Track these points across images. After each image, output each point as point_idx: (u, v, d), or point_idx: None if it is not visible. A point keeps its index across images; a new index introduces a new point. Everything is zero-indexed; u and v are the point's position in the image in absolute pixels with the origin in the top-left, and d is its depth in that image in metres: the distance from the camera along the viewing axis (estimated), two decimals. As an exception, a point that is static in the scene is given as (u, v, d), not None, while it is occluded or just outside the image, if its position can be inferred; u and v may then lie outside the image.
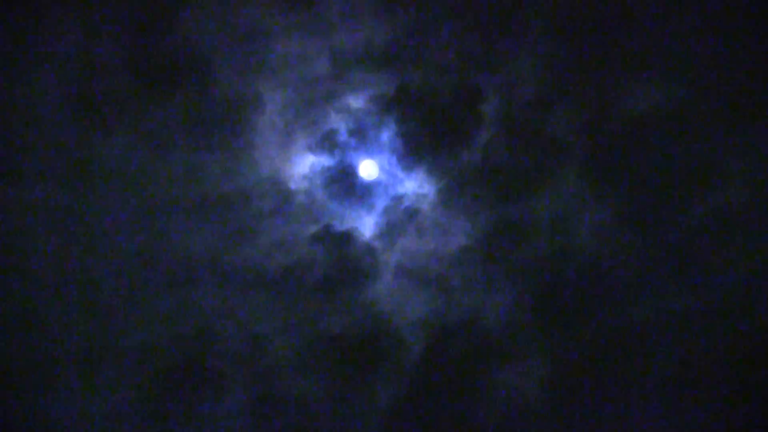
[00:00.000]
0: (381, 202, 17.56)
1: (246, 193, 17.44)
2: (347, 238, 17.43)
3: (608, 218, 17.49)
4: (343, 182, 17.62)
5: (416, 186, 17.66)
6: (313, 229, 17.47)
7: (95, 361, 16.91)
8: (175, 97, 17.44)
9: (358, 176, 17.61)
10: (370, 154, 17.67)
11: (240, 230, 17.44)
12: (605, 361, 17.02)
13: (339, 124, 17.70)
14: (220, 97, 17.57)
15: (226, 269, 17.31)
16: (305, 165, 17.75)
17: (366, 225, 17.54)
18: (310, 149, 17.77)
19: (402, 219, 17.59)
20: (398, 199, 17.60)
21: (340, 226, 17.47)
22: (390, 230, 17.60)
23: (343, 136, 17.77)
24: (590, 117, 17.72)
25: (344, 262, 17.35)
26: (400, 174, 17.62)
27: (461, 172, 17.70)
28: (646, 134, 17.64)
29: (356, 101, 17.68)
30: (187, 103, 17.50)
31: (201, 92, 17.54)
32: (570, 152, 17.71)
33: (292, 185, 17.66)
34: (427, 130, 17.66)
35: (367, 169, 17.66)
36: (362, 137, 17.72)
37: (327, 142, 17.75)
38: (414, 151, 17.68)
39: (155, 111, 17.44)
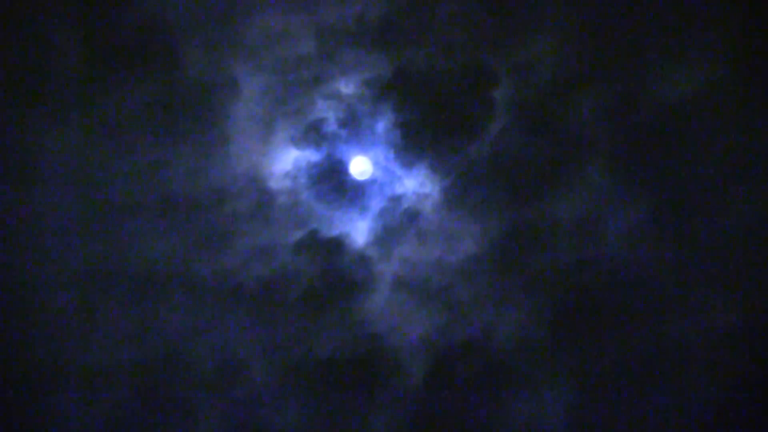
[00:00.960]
0: (376, 204, 16.95)
1: (219, 194, 16.78)
2: (337, 245, 16.78)
3: (640, 220, 16.72)
4: (332, 181, 16.94)
5: (417, 185, 17.01)
6: (297, 235, 16.79)
7: (43, 390, 16.27)
8: (135, 82, 16.74)
9: (349, 174, 16.93)
10: (363, 147, 17.00)
11: (212, 236, 16.75)
12: (638, 386, 16.34)
13: (327, 112, 16.99)
14: (188, 83, 16.84)
15: (196, 282, 16.63)
16: (288, 160, 17.01)
17: (359, 230, 16.92)
18: (294, 142, 16.99)
19: (400, 223, 16.94)
20: (396, 200, 16.97)
21: (328, 232, 16.84)
22: (386, 236, 16.91)
23: (331, 127, 17.03)
24: (619, 103, 16.96)
25: (333, 273, 16.74)
26: (399, 171, 16.98)
27: (469, 168, 16.98)
28: (683, 123, 16.83)
29: (347, 86, 16.96)
30: (150, 89, 16.79)
31: (165, 77, 16.84)
32: (596, 144, 16.91)
33: (273, 184, 16.94)
34: (430, 120, 16.96)
35: (360, 165, 16.95)
36: (354, 128, 17.02)
37: (313, 134, 17.00)
38: (414, 144, 16.98)
39: (112, 98, 16.72)
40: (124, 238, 16.47)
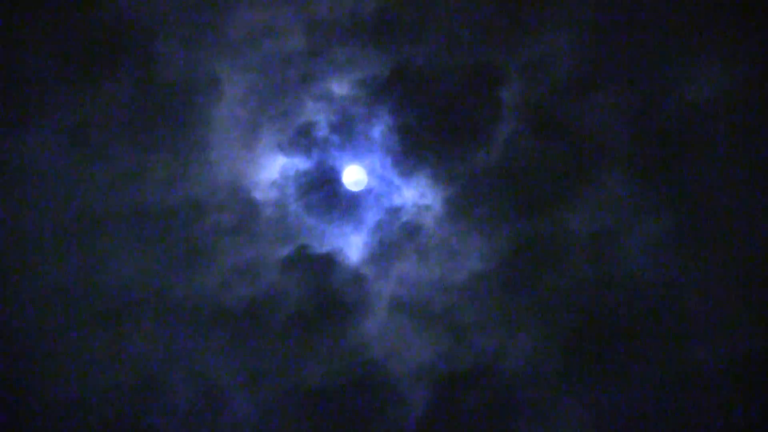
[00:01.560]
0: (372, 217, 16.42)
1: (198, 206, 16.24)
2: (328, 262, 16.20)
3: (664, 234, 16.02)
4: (324, 191, 16.42)
5: (417, 195, 16.47)
6: (284, 251, 16.27)
7: (9, 421, 15.69)
8: (106, 83, 16.19)
9: (342, 183, 16.43)
10: (357, 154, 16.48)
11: (190, 253, 16.18)
12: (660, 417, 15.54)
13: (318, 115, 16.52)
14: (164, 83, 16.33)
15: (173, 303, 16.08)
16: (274, 168, 16.55)
17: (353, 246, 16.40)
18: (281, 148, 16.48)
19: (399, 238, 16.36)
20: (394, 212, 16.43)
21: (319, 248, 16.29)
22: (383, 253, 16.34)
23: (323, 132, 16.52)
24: (640, 105, 16.36)
25: (325, 293, 16.18)
26: (397, 180, 16.46)
27: (475, 177, 16.34)
28: (711, 126, 16.20)
29: (340, 86, 16.51)
30: (122, 90, 16.27)
31: (140, 76, 16.32)
32: (614, 150, 16.30)
33: (258, 195, 16.42)
34: (431, 124, 16.38)
35: (354, 174, 16.44)
36: (348, 133, 16.45)
37: (302, 140, 16.48)
38: (414, 150, 16.39)
39: (82, 100, 16.27)
40: (92, 255, 15.95)
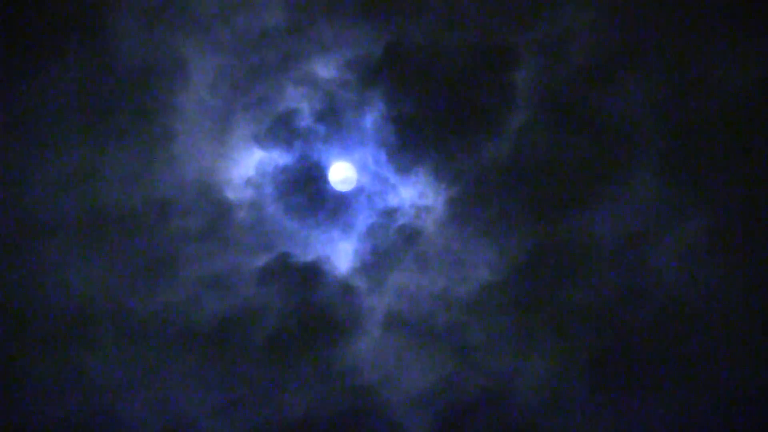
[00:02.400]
0: (363, 220, 15.40)
1: (161, 208, 15.25)
2: (314, 273, 15.19)
3: (701, 240, 14.92)
4: (307, 190, 15.30)
5: (415, 195, 15.39)
6: (262, 260, 15.26)
7: None
8: (55, 66, 15.14)
9: (328, 181, 15.32)
10: (346, 148, 15.38)
11: (152, 263, 15.22)
12: None
13: (300, 102, 15.40)
14: (121, 65, 15.24)
15: (133, 321, 15.15)
16: (250, 164, 15.49)
17: (341, 254, 15.37)
18: (257, 141, 15.36)
19: (395, 244, 15.31)
20: (389, 214, 15.37)
21: (302, 256, 15.23)
22: (377, 261, 15.32)
23: (306, 121, 15.43)
24: (672, 93, 15.19)
25: (310, 309, 15.17)
26: (392, 177, 15.35)
27: (482, 174, 15.18)
28: (752, 118, 14.98)
29: (325, 69, 15.36)
30: (74, 74, 15.20)
31: (93, 58, 15.22)
32: (644, 144, 15.15)
33: (231, 194, 15.31)
34: (431, 112, 15.14)
35: (343, 170, 15.34)
36: (335, 123, 15.27)
37: (282, 131, 15.30)
38: (412, 143, 15.21)
39: (26, 88, 15.14)
40: (38, 267, 15.04)
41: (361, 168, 15.36)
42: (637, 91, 15.12)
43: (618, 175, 14.91)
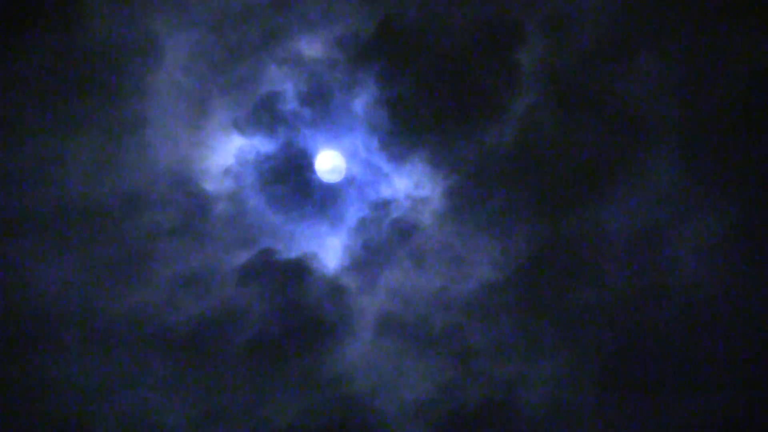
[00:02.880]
0: (353, 213, 14.54)
1: (132, 200, 14.18)
2: (299, 271, 14.21)
3: (723, 233, 13.88)
4: (292, 180, 14.40)
5: (411, 185, 14.50)
6: (242, 257, 14.24)
7: None
8: (17, 45, 14.17)
9: (315, 171, 14.43)
10: (335, 134, 14.46)
11: (123, 261, 14.23)
12: None
13: (283, 84, 14.41)
14: (90, 44, 14.16)
15: (102, 323, 14.25)
16: (229, 152, 14.52)
17: (330, 250, 14.50)
18: (237, 126, 14.39)
19: (388, 240, 14.36)
20: (382, 206, 14.51)
21: (287, 253, 14.30)
22: (369, 259, 14.37)
23: (290, 105, 14.40)
24: (691, 75, 14.09)
25: (295, 311, 14.11)
26: (385, 166, 14.45)
27: (484, 163, 14.12)
28: None
29: (311, 47, 14.31)
30: (38, 54, 14.24)
31: (58, 36, 14.29)
32: (660, 129, 14.09)
33: (209, 186, 14.32)
34: (428, 94, 14.13)
35: (331, 158, 14.46)
36: (322, 107, 14.33)
37: (264, 115, 14.38)
38: (406, 128, 14.25)
39: None
40: (1, 265, 14.09)
41: (351, 156, 14.44)
42: (654, 72, 14.12)
43: (632, 163, 13.90)
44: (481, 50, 13.95)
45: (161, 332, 13.89)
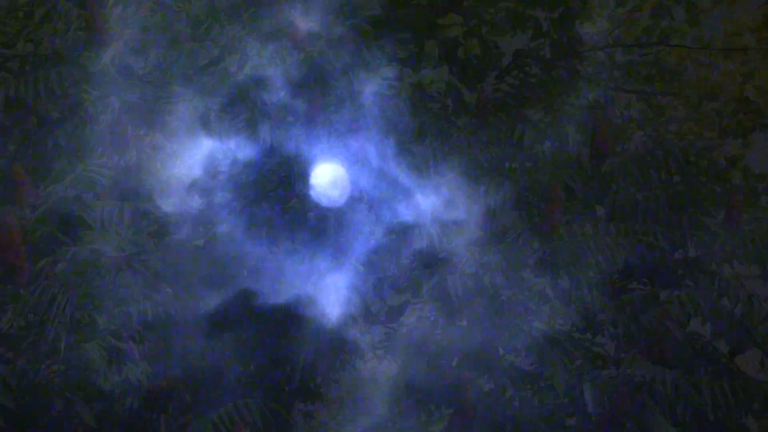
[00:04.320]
0: (362, 243, 11.85)
1: (63, 224, 11.31)
2: (289, 321, 11.54)
3: None
4: (280, 198, 11.96)
5: (440, 205, 11.86)
6: (212, 301, 11.51)
7: None
8: None
9: (311, 185, 11.79)
10: (337, 135, 12.01)
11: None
12: None
13: (269, 68, 11.88)
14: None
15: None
16: (194, 159, 11.98)
17: (331, 293, 11.73)
18: (205, 125, 11.74)
19: (410, 279, 11.74)
20: (400, 233, 11.80)
21: (272, 296, 11.50)
22: (384, 304, 11.74)
23: (277, 95, 12.04)
24: None
25: (283, 374, 11.62)
26: (405, 179, 11.85)
27: (542, 172, 11.54)
28: None
29: (306, 17, 11.80)
30: None
31: None
32: None
33: (166, 205, 11.76)
34: (466, 80, 11.60)
35: (331, 168, 11.84)
36: (320, 97, 11.67)
37: (242, 109, 11.81)
38: (434, 126, 11.75)
39: None
40: None
41: (359, 165, 11.41)
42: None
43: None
44: (533, 20, 10.89)
45: (98, 406, 10.63)
